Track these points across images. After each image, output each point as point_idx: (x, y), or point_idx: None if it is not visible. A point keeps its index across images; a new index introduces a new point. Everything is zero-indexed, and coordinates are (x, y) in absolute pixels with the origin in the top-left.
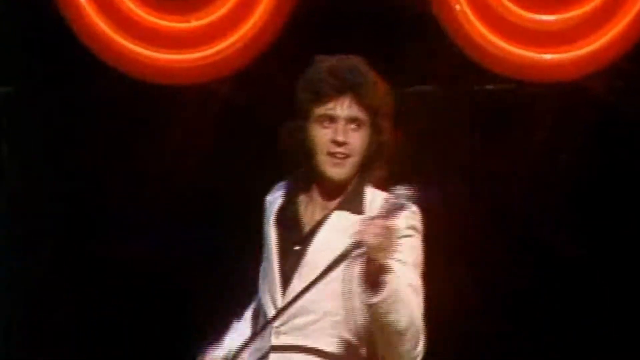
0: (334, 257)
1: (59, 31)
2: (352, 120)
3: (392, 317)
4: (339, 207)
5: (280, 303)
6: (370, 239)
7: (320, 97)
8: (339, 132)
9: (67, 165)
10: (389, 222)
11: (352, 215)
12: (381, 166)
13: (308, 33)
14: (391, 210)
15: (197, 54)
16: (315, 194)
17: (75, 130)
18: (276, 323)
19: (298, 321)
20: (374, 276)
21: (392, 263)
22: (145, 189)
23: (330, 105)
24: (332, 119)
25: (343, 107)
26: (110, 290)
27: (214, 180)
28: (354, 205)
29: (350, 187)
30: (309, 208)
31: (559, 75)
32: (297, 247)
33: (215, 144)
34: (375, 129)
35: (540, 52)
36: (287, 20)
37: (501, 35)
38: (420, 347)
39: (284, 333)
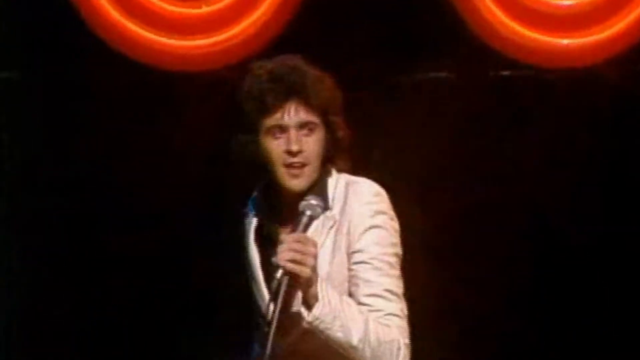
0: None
1: (63, 15)
2: (302, 125)
3: (337, 334)
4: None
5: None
6: (284, 256)
7: (266, 108)
8: (292, 141)
9: (71, 154)
10: (300, 235)
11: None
12: (341, 161)
13: (320, 18)
14: (302, 223)
15: (208, 40)
16: (282, 204)
17: (80, 118)
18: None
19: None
20: (303, 294)
21: (360, 270)
22: (152, 178)
23: (278, 115)
24: (282, 129)
25: (290, 115)
26: (114, 282)
27: (223, 169)
28: (320, 204)
29: (314, 188)
30: (281, 220)
31: (577, 61)
32: None
33: (226, 131)
34: (328, 128)
35: (557, 37)
36: (298, 6)
37: (518, 19)
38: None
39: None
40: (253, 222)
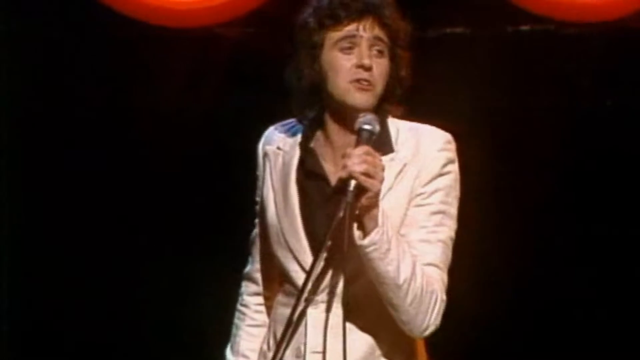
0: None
1: None
2: (375, 42)
3: (388, 267)
4: None
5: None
6: (357, 167)
7: (337, 21)
8: (364, 55)
9: (64, 111)
10: (369, 148)
11: (382, 156)
12: (396, 104)
13: None
14: (364, 138)
15: None
16: (335, 138)
17: (72, 76)
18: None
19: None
20: (363, 215)
21: (418, 213)
22: (146, 140)
23: (352, 27)
24: (353, 42)
25: (365, 28)
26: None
27: (219, 130)
28: (381, 145)
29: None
30: (328, 156)
31: (602, 14)
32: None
33: (222, 91)
34: (394, 61)
35: None
36: None
37: None
38: (435, 315)
39: (321, 299)
40: (291, 156)
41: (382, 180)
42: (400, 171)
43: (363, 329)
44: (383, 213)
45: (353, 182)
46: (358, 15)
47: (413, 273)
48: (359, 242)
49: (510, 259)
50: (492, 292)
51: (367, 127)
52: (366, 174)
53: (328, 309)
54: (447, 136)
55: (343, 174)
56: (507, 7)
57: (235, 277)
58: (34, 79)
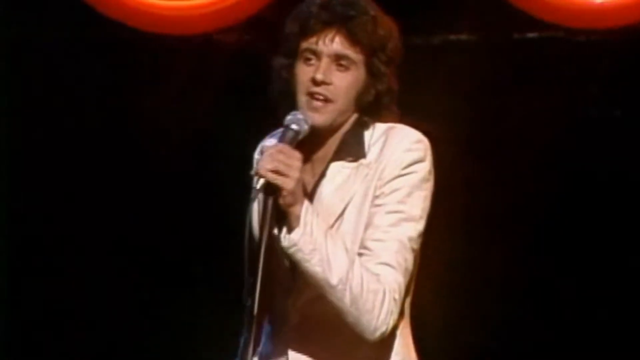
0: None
1: None
2: (338, 57)
3: (316, 268)
4: (335, 158)
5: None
6: (265, 164)
7: (306, 31)
8: (319, 70)
9: (58, 118)
10: (284, 146)
11: (351, 163)
12: (381, 117)
13: None
14: (287, 137)
15: (202, 0)
16: (310, 145)
17: (73, 76)
18: (290, 301)
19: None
20: (285, 214)
21: (374, 213)
22: (145, 141)
23: (314, 39)
24: (315, 55)
25: (325, 42)
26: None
27: (217, 138)
28: (353, 150)
29: (345, 131)
30: (307, 164)
31: (611, 21)
32: None
33: (221, 98)
34: (371, 73)
35: None
36: None
37: None
38: (385, 316)
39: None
40: None
41: (296, 179)
42: (366, 175)
43: (342, 347)
44: (308, 211)
45: (261, 180)
46: (322, 26)
47: (349, 272)
48: (281, 243)
49: (509, 265)
50: (485, 304)
51: (294, 126)
52: (275, 172)
53: (305, 328)
54: (417, 136)
55: (251, 173)
56: (514, 13)
57: (233, 279)
58: (34, 80)
